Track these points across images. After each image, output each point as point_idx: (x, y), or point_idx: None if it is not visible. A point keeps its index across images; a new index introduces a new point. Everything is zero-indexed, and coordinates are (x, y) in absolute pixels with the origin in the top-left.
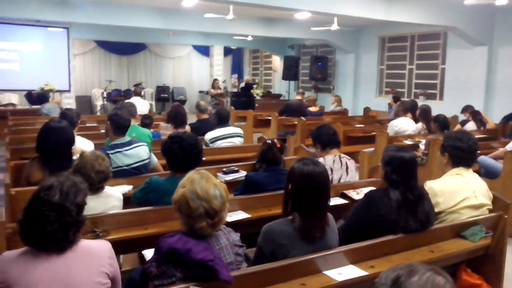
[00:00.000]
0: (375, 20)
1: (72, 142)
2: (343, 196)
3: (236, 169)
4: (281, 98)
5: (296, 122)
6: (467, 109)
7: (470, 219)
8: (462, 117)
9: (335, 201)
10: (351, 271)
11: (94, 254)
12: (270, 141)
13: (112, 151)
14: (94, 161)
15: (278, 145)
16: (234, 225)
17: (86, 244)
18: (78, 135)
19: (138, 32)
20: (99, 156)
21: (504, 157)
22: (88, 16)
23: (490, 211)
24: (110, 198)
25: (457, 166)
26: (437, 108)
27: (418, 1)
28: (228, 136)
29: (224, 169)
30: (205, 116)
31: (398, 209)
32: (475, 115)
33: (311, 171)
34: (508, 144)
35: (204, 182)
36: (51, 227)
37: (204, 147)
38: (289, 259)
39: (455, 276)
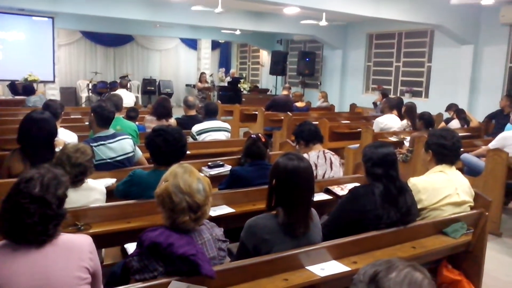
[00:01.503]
0: (363, 17)
1: (54, 134)
2: (328, 191)
3: (221, 163)
4: (268, 93)
5: (282, 117)
6: (451, 107)
7: (452, 216)
8: (446, 115)
9: (319, 196)
10: (333, 267)
11: (75, 249)
12: (255, 136)
13: (95, 144)
14: (72, 153)
15: (263, 140)
16: (218, 220)
17: (66, 239)
18: (61, 127)
19: (125, 23)
20: (79, 149)
21: (486, 155)
22: (74, 6)
23: (472, 208)
24: (93, 191)
25: (440, 163)
26: (422, 105)
27: None
28: (215, 130)
29: (209, 163)
30: (193, 112)
31: (382, 204)
32: (459, 113)
33: (296, 166)
34: (490, 142)
35: (187, 176)
36: (31, 220)
37: (190, 140)
38: (272, 254)
39: (436, 272)
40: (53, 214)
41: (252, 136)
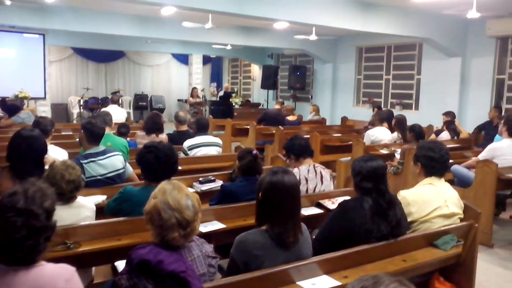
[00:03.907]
0: (352, 31)
1: (44, 151)
2: (319, 205)
3: (212, 178)
4: (260, 107)
5: (274, 131)
6: (449, 114)
7: (442, 228)
8: (439, 123)
9: (310, 210)
10: (324, 282)
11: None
12: (254, 152)
13: (85, 161)
14: (64, 171)
15: (259, 156)
16: (209, 236)
17: (40, 275)
18: (52, 143)
19: (117, 39)
20: (69, 166)
21: (476, 166)
22: (65, 23)
23: (462, 220)
24: (83, 209)
25: (429, 175)
26: (413, 117)
27: (394, 12)
28: (206, 145)
29: (200, 179)
30: (184, 127)
31: (372, 217)
32: (449, 125)
33: (280, 180)
34: (480, 153)
35: (176, 193)
36: (19, 234)
37: (182, 155)
38: (262, 270)
39: (428, 285)
40: (41, 226)
41: (252, 153)
